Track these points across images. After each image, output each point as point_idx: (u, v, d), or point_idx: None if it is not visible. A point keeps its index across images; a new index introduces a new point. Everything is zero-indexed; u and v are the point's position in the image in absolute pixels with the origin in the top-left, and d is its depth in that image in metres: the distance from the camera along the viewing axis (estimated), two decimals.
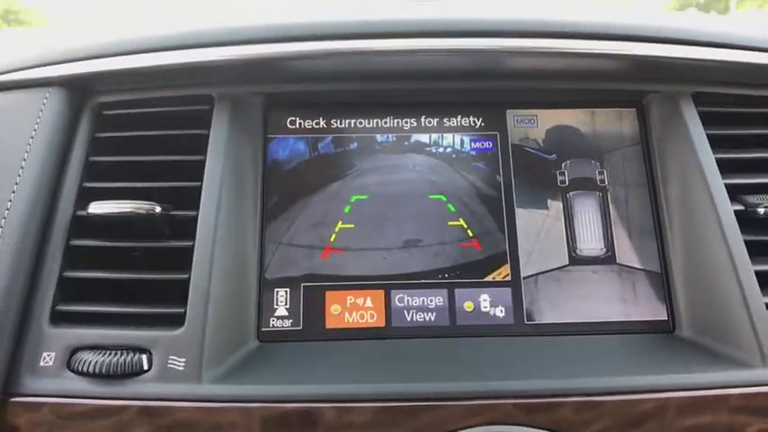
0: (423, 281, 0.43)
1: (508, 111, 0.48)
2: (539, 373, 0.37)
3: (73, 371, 0.36)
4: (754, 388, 0.37)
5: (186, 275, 0.39)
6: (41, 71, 0.47)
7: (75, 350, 0.37)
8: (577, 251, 0.45)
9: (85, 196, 0.42)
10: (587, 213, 0.46)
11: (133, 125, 0.45)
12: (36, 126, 0.44)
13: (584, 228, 0.45)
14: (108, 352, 0.36)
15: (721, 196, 0.43)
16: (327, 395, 0.35)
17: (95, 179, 0.43)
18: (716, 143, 0.45)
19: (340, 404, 0.35)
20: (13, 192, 0.41)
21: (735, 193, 0.44)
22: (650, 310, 0.43)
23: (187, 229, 0.41)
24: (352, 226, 0.44)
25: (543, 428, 0.34)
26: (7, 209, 0.40)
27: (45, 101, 0.45)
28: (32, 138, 0.43)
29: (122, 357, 0.36)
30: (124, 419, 0.34)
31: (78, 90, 0.46)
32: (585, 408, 0.35)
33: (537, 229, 0.45)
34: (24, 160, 0.42)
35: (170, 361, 0.36)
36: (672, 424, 0.35)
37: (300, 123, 0.47)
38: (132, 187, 0.42)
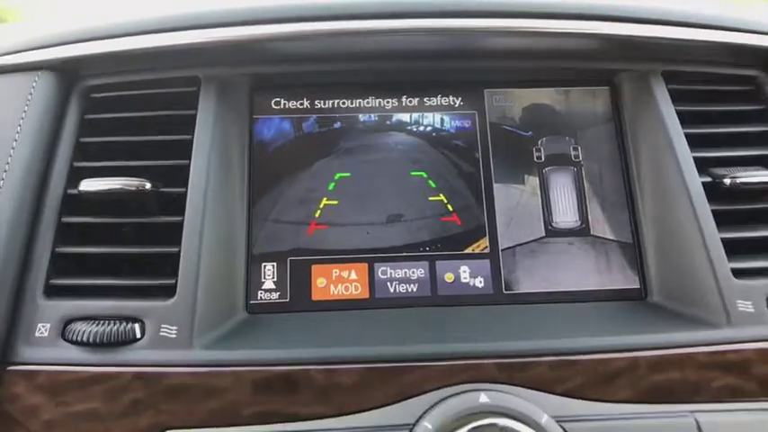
0: (405, 254, 0.45)
1: (486, 90, 0.50)
2: (516, 335, 0.39)
3: (67, 340, 0.37)
4: (720, 346, 0.39)
5: (176, 249, 0.40)
6: (30, 55, 0.47)
7: (69, 321, 0.38)
8: (553, 224, 0.47)
9: (76, 175, 0.43)
10: (562, 188, 0.48)
11: (121, 107, 0.46)
12: (26, 108, 0.45)
13: (559, 201, 0.47)
14: (101, 322, 0.38)
15: (690, 169, 0.45)
16: (315, 358, 0.37)
17: (85, 159, 0.44)
18: (685, 119, 0.47)
19: (327, 366, 0.36)
20: (5, 171, 0.42)
21: (703, 165, 0.46)
22: (623, 278, 0.45)
23: (176, 205, 0.42)
24: (336, 202, 0.46)
25: (521, 386, 0.36)
26: (0, 186, 0.41)
27: (34, 84, 0.46)
28: (22, 119, 0.44)
29: (115, 327, 0.37)
30: (119, 385, 0.36)
31: (67, 73, 0.47)
32: (560, 366, 0.37)
33: (514, 203, 0.47)
34: (15, 141, 0.43)
35: (162, 329, 0.37)
36: (642, 380, 0.37)
37: (285, 104, 0.48)
38: (122, 166, 0.44)
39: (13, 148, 0.43)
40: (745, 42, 0.50)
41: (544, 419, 0.33)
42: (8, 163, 0.42)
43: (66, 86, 0.47)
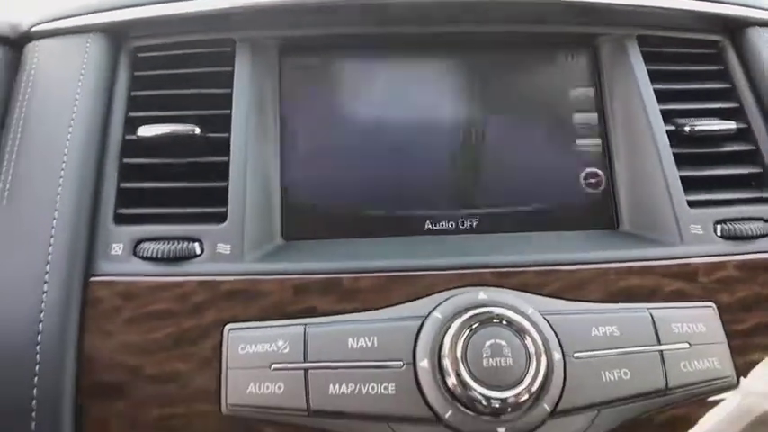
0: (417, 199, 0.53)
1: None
2: (508, 252, 0.47)
3: (138, 257, 0.45)
4: (674, 260, 0.47)
5: (225, 184, 0.48)
6: (82, 19, 0.54)
7: (138, 242, 0.46)
8: None
9: (131, 124, 0.50)
10: None
11: (167, 64, 0.53)
12: (84, 66, 0.52)
13: None
14: (166, 241, 0.45)
15: (657, 119, 0.53)
16: (343, 268, 0.45)
17: (138, 110, 0.51)
18: (655, 77, 0.55)
19: (353, 274, 0.44)
20: (72, 120, 0.49)
21: (668, 116, 0.54)
22: (600, 213, 0.54)
23: (221, 148, 0.49)
24: (355, 146, 0.53)
25: (512, 288, 0.44)
26: (69, 135, 0.48)
27: (88, 45, 0.53)
28: (82, 75, 0.51)
29: (179, 245, 0.45)
30: (185, 291, 0.44)
31: (116, 35, 0.54)
32: (543, 274, 0.45)
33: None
34: (77, 94, 0.50)
35: (218, 247, 0.45)
36: (609, 285, 0.46)
37: (311, 61, 0.55)
38: (170, 115, 0.51)
39: (76, 101, 0.50)
40: (711, 11, 0.58)
41: (530, 310, 0.42)
42: (74, 112, 0.49)
43: (116, 47, 0.54)
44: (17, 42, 0.56)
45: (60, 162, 0.47)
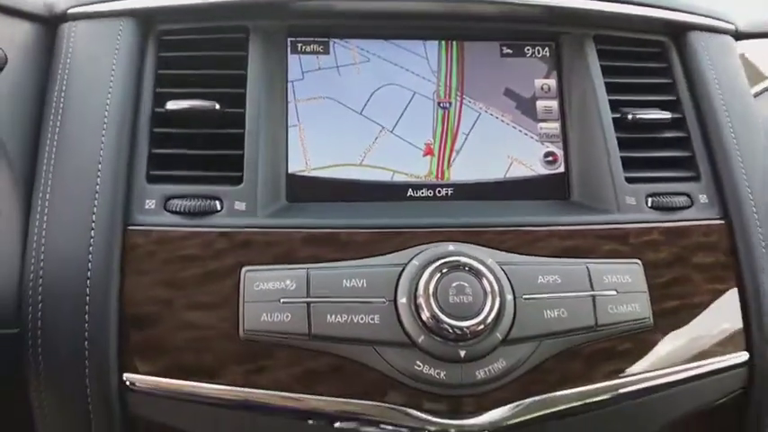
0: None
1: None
2: (474, 215, 0.57)
3: (168, 211, 0.54)
4: (610, 225, 0.58)
5: (240, 152, 0.57)
6: (115, 5, 0.62)
7: (168, 198, 0.55)
8: None
9: (160, 98, 0.59)
10: None
11: (189, 47, 0.61)
12: (117, 47, 0.59)
13: None
14: (192, 198, 0.54)
15: (605, 108, 0.63)
16: (342, 225, 0.54)
17: (165, 87, 0.60)
18: (606, 71, 0.65)
19: (349, 230, 0.54)
20: (109, 94, 0.57)
21: (615, 105, 0.64)
22: (555, 188, 0.64)
23: (236, 121, 0.58)
24: (349, 122, 0.62)
25: (476, 244, 0.54)
26: (106, 108, 0.56)
27: (121, 28, 0.61)
28: (116, 55, 0.59)
29: (202, 202, 0.54)
30: (208, 239, 0.53)
31: (144, 19, 0.61)
32: (502, 233, 0.55)
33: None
34: (113, 72, 0.58)
35: (235, 204, 0.55)
36: (556, 244, 0.56)
37: (317, 47, 0.64)
38: (193, 92, 0.59)
39: (112, 78, 0.58)
40: (657, 15, 0.67)
41: (489, 261, 0.52)
42: (110, 88, 0.58)
43: (145, 30, 0.61)
44: (51, 22, 0.63)
45: (100, 131, 0.55)
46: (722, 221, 0.60)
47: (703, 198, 0.61)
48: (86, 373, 0.50)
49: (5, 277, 0.52)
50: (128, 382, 0.50)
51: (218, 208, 0.55)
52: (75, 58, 0.59)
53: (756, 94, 0.84)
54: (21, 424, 0.53)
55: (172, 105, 0.57)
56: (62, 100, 0.57)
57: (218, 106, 0.58)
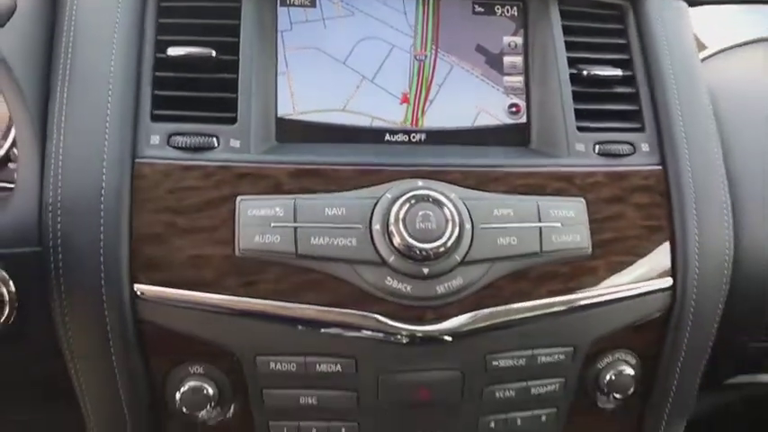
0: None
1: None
2: (441, 157, 0.65)
3: (171, 146, 0.61)
4: (560, 167, 0.66)
5: (235, 95, 0.63)
6: None
7: (170, 135, 0.62)
8: None
9: (161, 45, 0.64)
10: None
11: None
12: None
13: None
14: (192, 136, 0.61)
15: (563, 64, 0.70)
16: (327, 161, 0.62)
17: (165, 35, 0.65)
18: (567, 30, 0.71)
19: (333, 166, 0.61)
20: (114, 41, 0.63)
21: (573, 62, 0.71)
22: (516, 137, 0.72)
23: (231, 67, 0.64)
24: (333, 70, 0.68)
25: (443, 181, 0.62)
26: (113, 54, 0.62)
27: None
28: (119, 5, 0.64)
29: (201, 139, 0.61)
30: (207, 171, 0.60)
31: None
32: (465, 173, 0.63)
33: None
34: (117, 21, 0.63)
35: (230, 142, 0.62)
36: (512, 183, 0.64)
37: (304, 1, 0.69)
38: (191, 40, 0.65)
39: (116, 27, 0.63)
40: None
41: (452, 195, 0.60)
42: (115, 36, 0.63)
43: None
44: None
45: (108, 74, 0.61)
46: (660, 167, 0.69)
47: (645, 147, 0.70)
48: (102, 285, 0.58)
49: (27, 201, 0.60)
50: (138, 292, 0.58)
51: (216, 144, 0.62)
52: (80, 8, 0.65)
53: (704, 59, 0.92)
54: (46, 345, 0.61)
55: (172, 52, 0.63)
56: (70, 50, 0.63)
57: (214, 53, 0.64)
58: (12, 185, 0.63)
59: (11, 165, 0.69)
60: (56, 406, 0.72)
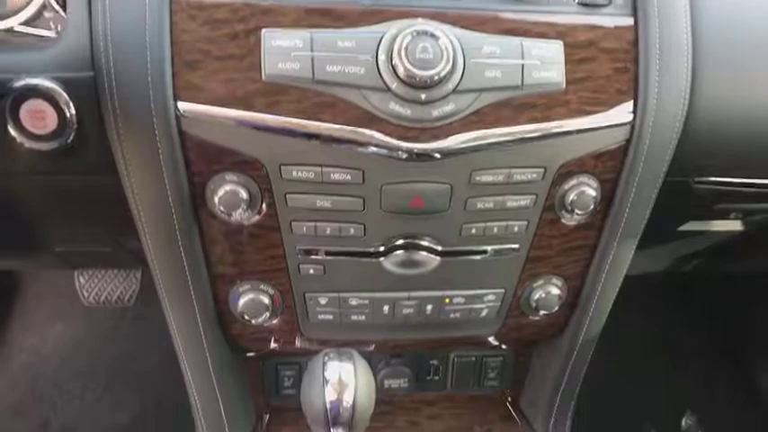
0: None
1: None
2: (442, 3, 0.74)
3: None
4: (543, 14, 0.74)
5: None
6: None
7: None
8: None
9: None
10: None
11: None
12: None
13: None
14: None
15: None
16: (339, 1, 0.70)
17: None
18: None
19: (345, 6, 0.70)
20: None
21: None
22: None
23: None
24: None
25: (441, 22, 0.71)
26: None
27: None
28: None
29: None
30: (234, 7, 0.69)
31: None
32: (461, 16, 0.71)
33: None
34: None
35: None
36: (500, 25, 0.71)
37: None
38: None
39: None
40: None
41: (448, 32, 0.68)
42: None
43: None
44: None
45: None
46: (631, 18, 0.78)
47: (620, 0, 0.78)
48: (151, 104, 0.68)
49: (79, 31, 0.69)
50: (181, 110, 0.69)
51: None
52: None
53: None
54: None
55: None
56: None
57: None
58: (49, 33, 0.72)
59: (46, 14, 0.77)
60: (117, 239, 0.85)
